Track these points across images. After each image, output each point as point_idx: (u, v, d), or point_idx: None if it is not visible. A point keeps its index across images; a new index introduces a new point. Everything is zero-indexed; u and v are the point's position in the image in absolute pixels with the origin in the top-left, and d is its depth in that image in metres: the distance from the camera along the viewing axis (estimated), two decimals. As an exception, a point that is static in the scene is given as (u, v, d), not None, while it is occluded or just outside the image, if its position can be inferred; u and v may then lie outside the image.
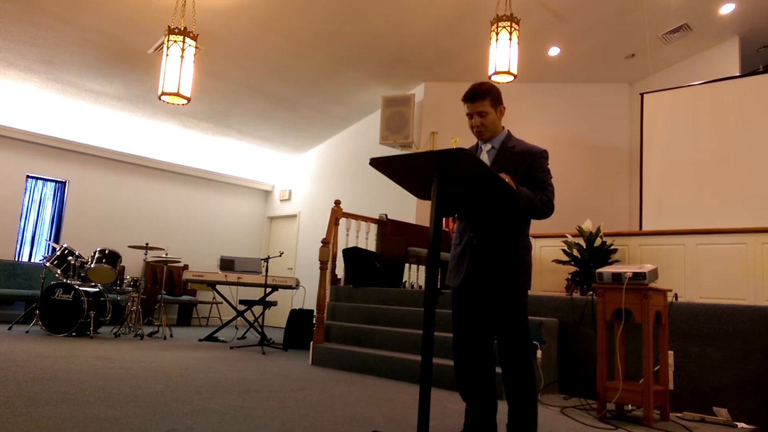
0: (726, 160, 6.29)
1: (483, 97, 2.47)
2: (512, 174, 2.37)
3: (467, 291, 2.51)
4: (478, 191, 2.29)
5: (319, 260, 5.74)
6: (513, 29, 5.39)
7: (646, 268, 3.54)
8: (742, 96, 6.32)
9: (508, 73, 5.38)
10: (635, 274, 3.53)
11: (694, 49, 7.31)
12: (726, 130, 6.36)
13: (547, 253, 6.14)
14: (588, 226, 5.30)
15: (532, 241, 6.41)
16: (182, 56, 5.44)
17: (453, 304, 2.58)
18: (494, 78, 5.47)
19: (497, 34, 5.41)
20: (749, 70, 6.93)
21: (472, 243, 2.47)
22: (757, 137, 6.14)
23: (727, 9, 6.47)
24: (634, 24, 6.71)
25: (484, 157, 2.54)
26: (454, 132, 7.90)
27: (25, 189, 8.60)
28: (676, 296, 4.12)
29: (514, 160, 2.49)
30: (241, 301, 7.13)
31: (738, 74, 6.75)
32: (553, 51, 7.39)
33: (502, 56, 5.36)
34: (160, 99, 5.55)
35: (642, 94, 7.09)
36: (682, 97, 6.76)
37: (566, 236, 5.41)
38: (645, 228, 6.54)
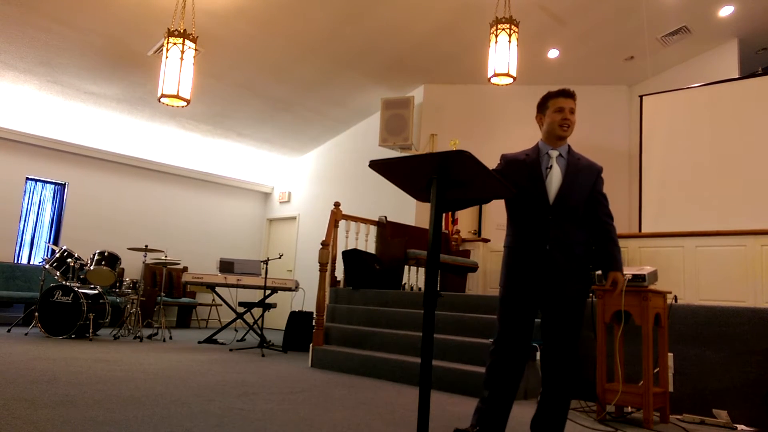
0: (725, 162, 6.31)
1: (575, 97, 2.63)
2: (583, 187, 2.57)
3: (529, 292, 2.54)
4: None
5: (319, 262, 5.74)
6: (512, 31, 5.40)
7: (646, 270, 3.55)
8: (741, 98, 6.34)
9: (508, 75, 5.38)
10: (635, 276, 3.53)
11: (693, 51, 7.32)
12: (725, 132, 6.37)
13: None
14: (587, 228, 5.29)
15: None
16: (182, 58, 5.44)
17: (508, 301, 2.58)
18: (493, 80, 5.48)
19: (496, 36, 5.42)
20: (748, 72, 6.95)
21: (545, 250, 2.51)
22: (756, 139, 6.15)
23: (725, 11, 6.49)
24: (633, 26, 6.72)
25: (554, 163, 2.60)
26: (454, 134, 7.91)
27: (25, 191, 8.59)
28: (675, 298, 4.12)
29: (584, 173, 2.61)
30: (241, 303, 7.13)
31: (737, 76, 6.77)
32: (552, 53, 7.40)
33: (502, 58, 5.37)
34: (159, 101, 5.56)
35: (641, 97, 7.11)
36: (681, 100, 6.77)
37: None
38: (644, 230, 6.55)
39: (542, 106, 2.67)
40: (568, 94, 2.61)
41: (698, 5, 6.41)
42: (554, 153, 2.61)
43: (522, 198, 2.57)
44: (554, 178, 2.56)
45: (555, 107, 2.60)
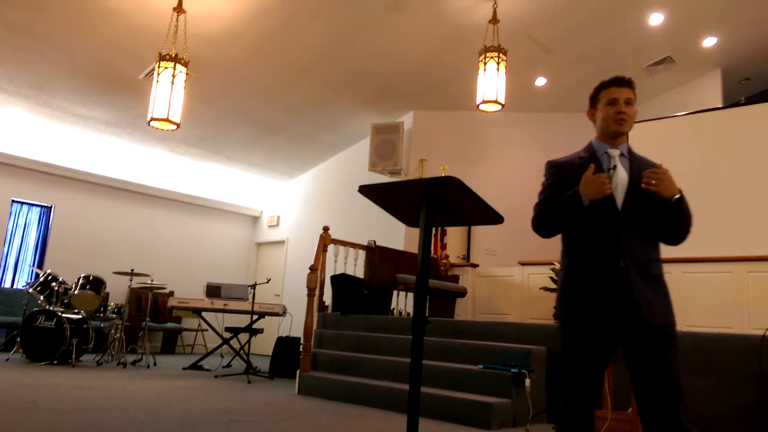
0: (710, 189, 6.38)
1: (631, 85, 2.24)
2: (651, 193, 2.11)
3: (602, 322, 2.10)
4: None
5: (307, 287, 5.70)
6: (500, 60, 5.49)
7: (634, 296, 3.54)
8: (726, 127, 6.45)
9: (496, 102, 5.46)
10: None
11: (678, 80, 7.47)
12: (709, 160, 6.46)
13: (535, 281, 6.14)
14: (575, 254, 5.31)
15: (521, 269, 6.44)
16: (173, 82, 5.46)
17: (575, 338, 2.14)
18: (482, 107, 5.54)
19: (485, 64, 5.51)
20: (731, 102, 7.09)
21: (619, 267, 2.08)
22: (741, 167, 6.24)
23: (709, 42, 6.65)
24: (618, 55, 6.85)
25: (617, 163, 2.20)
26: (443, 160, 7.96)
27: (10, 213, 8.50)
28: (663, 325, 4.12)
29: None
30: (227, 329, 7.04)
31: (720, 106, 6.90)
32: (540, 81, 7.52)
33: (490, 86, 5.45)
34: (149, 124, 5.56)
35: (627, 124, 7.19)
36: (666, 128, 6.87)
37: (554, 264, 5.43)
38: (632, 256, 6.58)
39: (594, 99, 2.30)
40: (622, 83, 2.23)
41: (682, 36, 6.56)
42: (615, 152, 2.21)
43: (587, 209, 2.12)
44: (620, 181, 2.15)
45: (607, 99, 2.21)
